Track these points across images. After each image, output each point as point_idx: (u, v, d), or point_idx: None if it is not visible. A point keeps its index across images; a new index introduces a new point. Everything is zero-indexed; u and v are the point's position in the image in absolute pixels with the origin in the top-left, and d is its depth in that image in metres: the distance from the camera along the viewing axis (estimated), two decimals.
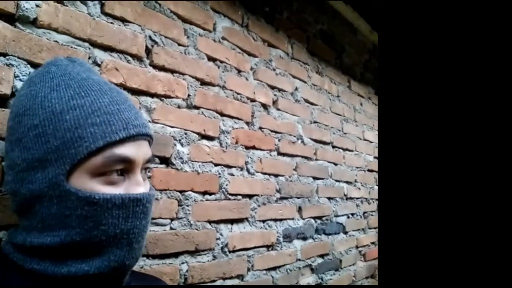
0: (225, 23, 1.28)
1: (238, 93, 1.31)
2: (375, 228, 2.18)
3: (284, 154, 1.51)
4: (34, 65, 0.78)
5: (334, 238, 1.81)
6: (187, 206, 1.10)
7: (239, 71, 1.32)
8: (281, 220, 1.47)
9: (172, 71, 1.09)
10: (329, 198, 1.79)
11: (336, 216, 1.83)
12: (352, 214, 1.98)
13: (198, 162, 1.14)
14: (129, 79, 0.97)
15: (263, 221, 1.38)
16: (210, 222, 1.17)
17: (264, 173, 1.40)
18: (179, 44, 1.11)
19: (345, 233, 1.91)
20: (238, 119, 1.30)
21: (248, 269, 1.30)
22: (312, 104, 1.71)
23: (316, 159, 1.71)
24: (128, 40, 0.97)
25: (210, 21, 1.22)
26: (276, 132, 1.47)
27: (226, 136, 1.25)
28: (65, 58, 0.64)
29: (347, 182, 1.95)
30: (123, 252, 0.55)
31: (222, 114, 1.24)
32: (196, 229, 1.12)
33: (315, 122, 1.72)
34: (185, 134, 1.11)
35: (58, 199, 0.53)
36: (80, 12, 0.87)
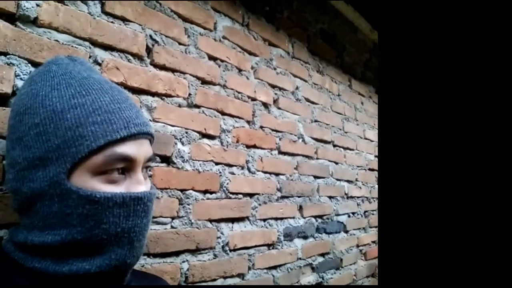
0: (226, 22, 1.28)
1: (239, 92, 1.31)
2: (376, 227, 2.18)
3: (285, 153, 1.51)
4: (35, 64, 0.78)
5: (335, 237, 1.81)
6: (188, 205, 1.10)
7: (239, 70, 1.32)
8: (282, 219, 1.47)
9: (173, 70, 1.09)
10: (330, 197, 1.79)
11: (337, 215, 1.83)
12: (353, 213, 1.98)
13: (199, 161, 1.14)
14: (130, 78, 0.97)
15: (264, 220, 1.38)
16: (211, 221, 1.17)
17: (265, 172, 1.40)
18: (180, 43, 1.11)
19: (346, 232, 1.91)
20: (239, 118, 1.30)
21: (249, 268, 1.30)
22: (313, 103, 1.71)
23: (317, 158, 1.71)
24: (128, 39, 0.97)
25: (210, 20, 1.22)
26: (277, 131, 1.47)
27: (227, 135, 1.25)
28: (66, 57, 0.64)
29: (348, 181, 1.95)
30: (124, 251, 0.55)
31: (223, 113, 1.24)
32: (197, 228, 1.12)
33: (316, 121, 1.72)
34: (186, 133, 1.11)
35: (59, 197, 0.53)
36: (81, 11, 0.87)
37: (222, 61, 1.25)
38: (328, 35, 1.85)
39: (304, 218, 1.60)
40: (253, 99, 1.37)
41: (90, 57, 0.89)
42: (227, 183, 1.24)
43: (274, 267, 1.41)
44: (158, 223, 1.02)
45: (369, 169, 2.16)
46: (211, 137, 1.19)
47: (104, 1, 0.92)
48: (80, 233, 0.53)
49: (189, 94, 1.13)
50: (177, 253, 1.06)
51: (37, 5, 0.79)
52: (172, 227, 1.06)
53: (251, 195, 1.33)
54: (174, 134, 1.07)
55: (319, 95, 1.75)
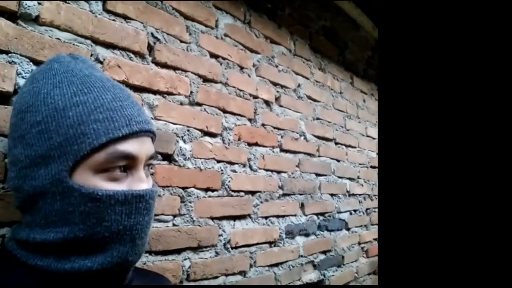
0: (227, 19, 1.28)
1: (240, 90, 1.31)
2: (377, 224, 2.18)
3: (286, 151, 1.51)
4: (37, 62, 0.78)
5: (337, 234, 1.81)
6: (190, 202, 1.10)
7: (241, 68, 1.32)
8: (283, 216, 1.47)
9: (175, 68, 1.09)
10: (331, 195, 1.79)
11: (339, 212, 1.83)
12: (355, 211, 1.98)
13: (200, 158, 1.14)
14: (132, 76, 0.97)
15: (266, 218, 1.39)
16: (212, 218, 1.17)
17: (267, 170, 1.40)
18: (181, 41, 1.11)
19: (348, 229, 1.91)
20: (241, 115, 1.30)
21: (251, 266, 1.30)
22: (314, 100, 1.70)
23: (319, 156, 1.71)
24: (130, 37, 0.97)
25: (212, 18, 1.21)
26: (278, 128, 1.47)
27: (228, 133, 1.25)
28: (68, 55, 0.64)
29: (350, 179, 1.95)
30: (126, 249, 0.55)
31: (224, 111, 1.24)
32: (199, 226, 1.12)
33: (317, 118, 1.72)
34: (188, 130, 1.11)
35: (61, 195, 0.53)
36: (82, 9, 0.87)
37: (224, 58, 1.25)
38: (330, 33, 1.84)
39: (306, 215, 1.60)
40: (255, 97, 1.37)
41: (91, 55, 0.89)
42: (229, 181, 1.24)
43: (276, 265, 1.42)
44: (160, 221, 1.02)
45: (371, 167, 2.15)
46: (212, 135, 1.19)
47: None
48: (82, 230, 0.53)
49: (191, 92, 1.13)
50: (178, 251, 1.07)
51: (39, 3, 0.79)
52: (173, 224, 1.06)
53: (252, 192, 1.33)
54: (175, 132, 1.07)
55: (321, 92, 1.75)
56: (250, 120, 1.34)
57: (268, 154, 1.41)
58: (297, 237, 1.54)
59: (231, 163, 1.25)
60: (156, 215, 1.00)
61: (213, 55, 1.21)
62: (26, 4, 0.77)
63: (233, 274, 1.23)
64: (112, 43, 0.93)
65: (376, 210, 2.18)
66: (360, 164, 2.05)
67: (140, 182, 0.58)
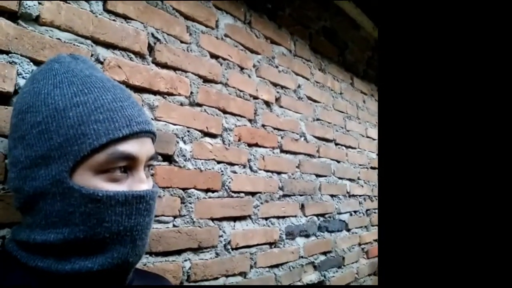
0: (228, 20, 1.28)
1: (240, 91, 1.31)
2: (377, 225, 2.18)
3: (287, 152, 1.51)
4: (37, 62, 0.78)
5: (337, 235, 1.81)
6: (190, 203, 1.10)
7: (241, 68, 1.32)
8: (283, 217, 1.47)
9: (175, 69, 1.08)
10: (332, 196, 1.79)
11: (339, 213, 1.83)
12: (355, 212, 1.98)
13: (200, 159, 1.14)
14: (132, 76, 0.96)
15: (266, 219, 1.38)
16: (212, 219, 1.17)
17: (267, 171, 1.40)
18: (182, 41, 1.11)
19: (348, 230, 1.90)
20: (241, 116, 1.30)
21: (251, 267, 1.30)
22: (315, 101, 1.70)
23: (319, 157, 1.71)
24: (130, 37, 0.97)
25: (212, 18, 1.21)
26: (279, 129, 1.47)
27: (228, 134, 1.25)
28: (68, 55, 0.64)
29: (350, 180, 1.95)
30: (126, 249, 0.55)
31: (224, 112, 1.24)
32: (199, 227, 1.12)
33: (318, 119, 1.72)
34: (188, 131, 1.11)
35: (62, 196, 0.53)
36: (83, 9, 0.87)
37: (224, 59, 1.25)
38: (330, 33, 1.84)
39: (306, 216, 1.60)
40: (255, 98, 1.37)
41: (92, 55, 0.88)
42: (229, 182, 1.24)
43: (276, 266, 1.41)
44: (160, 222, 1.02)
45: (371, 168, 2.15)
46: (213, 135, 1.19)
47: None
48: (82, 231, 0.53)
49: (191, 93, 1.13)
50: (179, 252, 1.06)
51: (39, 3, 0.79)
52: (174, 225, 1.06)
53: (253, 193, 1.33)
54: (176, 133, 1.07)
55: (321, 93, 1.75)
56: (250, 120, 1.34)
57: (268, 155, 1.41)
58: (297, 238, 1.54)
59: (231, 164, 1.25)
60: (156, 216, 1.00)
61: (213, 56, 1.21)
62: (26, 4, 0.77)
63: (234, 275, 1.23)
64: (113, 43, 0.93)
65: (376, 211, 2.18)
66: (360, 165, 2.04)
67: (141, 183, 0.57)
